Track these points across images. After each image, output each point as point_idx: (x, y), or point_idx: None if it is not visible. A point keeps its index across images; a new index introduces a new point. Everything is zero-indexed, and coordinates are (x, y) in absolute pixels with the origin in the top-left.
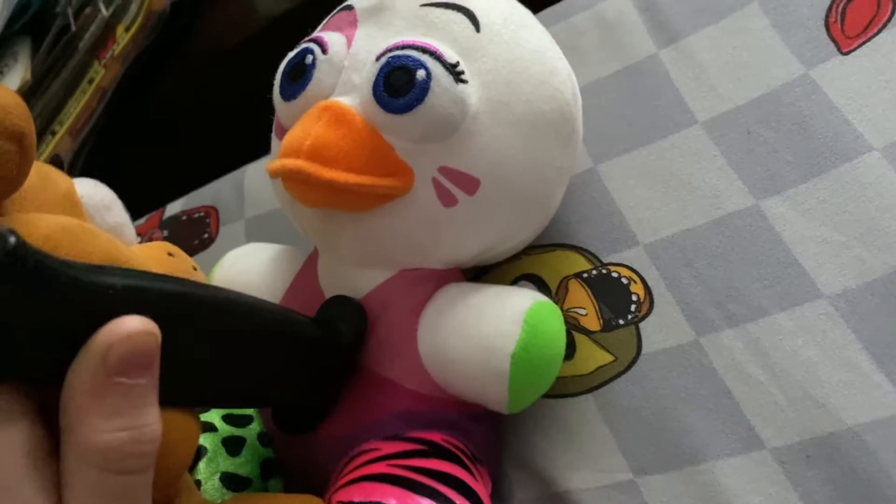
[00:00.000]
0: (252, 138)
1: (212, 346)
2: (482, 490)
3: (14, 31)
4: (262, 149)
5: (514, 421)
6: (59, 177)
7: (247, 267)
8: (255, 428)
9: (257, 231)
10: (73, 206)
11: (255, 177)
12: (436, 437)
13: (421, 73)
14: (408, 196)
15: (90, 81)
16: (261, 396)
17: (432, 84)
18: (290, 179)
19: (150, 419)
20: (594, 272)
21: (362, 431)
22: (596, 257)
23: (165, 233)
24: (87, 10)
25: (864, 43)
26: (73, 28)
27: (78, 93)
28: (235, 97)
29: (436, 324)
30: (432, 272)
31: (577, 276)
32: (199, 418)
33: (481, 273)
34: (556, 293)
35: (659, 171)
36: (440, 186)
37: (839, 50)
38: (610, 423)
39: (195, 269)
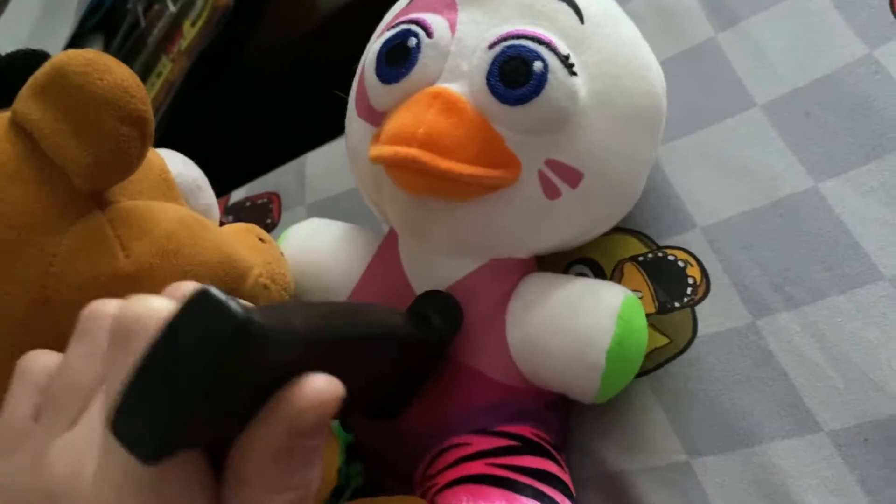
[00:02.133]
0: (312, 128)
1: (353, 369)
2: (569, 480)
3: (88, 29)
4: (323, 138)
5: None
6: (152, 155)
7: (317, 246)
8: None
9: (318, 216)
10: (169, 187)
11: (316, 164)
12: (525, 430)
13: (538, 65)
14: (513, 188)
15: (159, 75)
16: (367, 399)
17: (549, 76)
18: (403, 168)
19: (317, 474)
20: (650, 255)
21: (448, 422)
22: (652, 241)
23: (230, 218)
24: (156, 7)
25: None
26: (143, 24)
27: (147, 86)
28: (296, 90)
29: (526, 315)
30: (519, 261)
31: (633, 259)
32: (338, 438)
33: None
34: (612, 276)
35: (717, 154)
36: (546, 179)
37: None
38: (664, 404)
39: (282, 254)
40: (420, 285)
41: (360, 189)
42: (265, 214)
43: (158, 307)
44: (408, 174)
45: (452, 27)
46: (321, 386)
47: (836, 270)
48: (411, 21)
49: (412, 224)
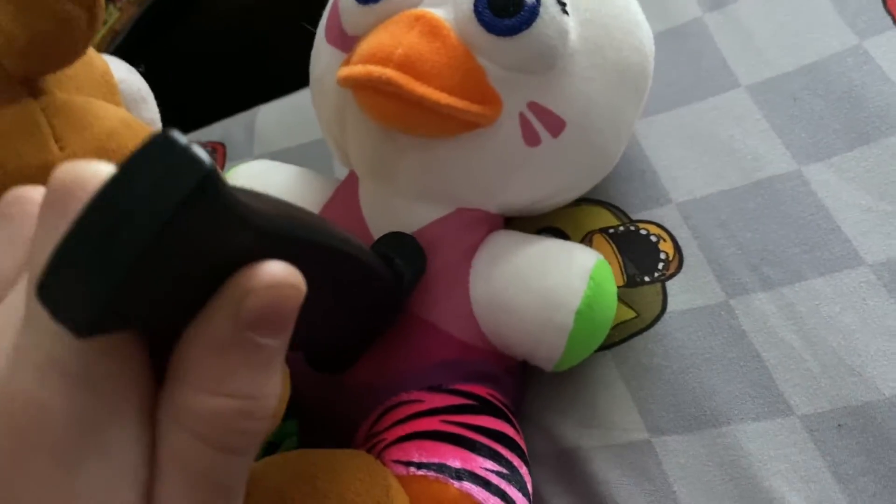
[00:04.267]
0: (265, 85)
1: (314, 288)
2: (525, 446)
3: None
4: (275, 94)
5: (529, 372)
6: (94, 56)
7: (269, 182)
8: None
9: None
10: (111, 91)
11: (268, 116)
12: (481, 390)
13: None
14: (491, 128)
15: (103, 23)
16: (323, 339)
17: (541, 10)
18: (374, 89)
19: (270, 390)
20: (621, 228)
21: (400, 378)
22: (624, 213)
23: None
24: None
25: None
26: None
27: None
28: (249, 46)
29: (491, 270)
30: (487, 215)
31: (603, 231)
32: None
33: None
34: None
35: (697, 132)
36: (526, 123)
37: (895, 23)
38: (627, 380)
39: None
40: (380, 231)
41: (322, 127)
42: None
43: (103, 169)
44: (379, 99)
45: None
46: (276, 270)
47: (816, 253)
48: None
49: (378, 162)
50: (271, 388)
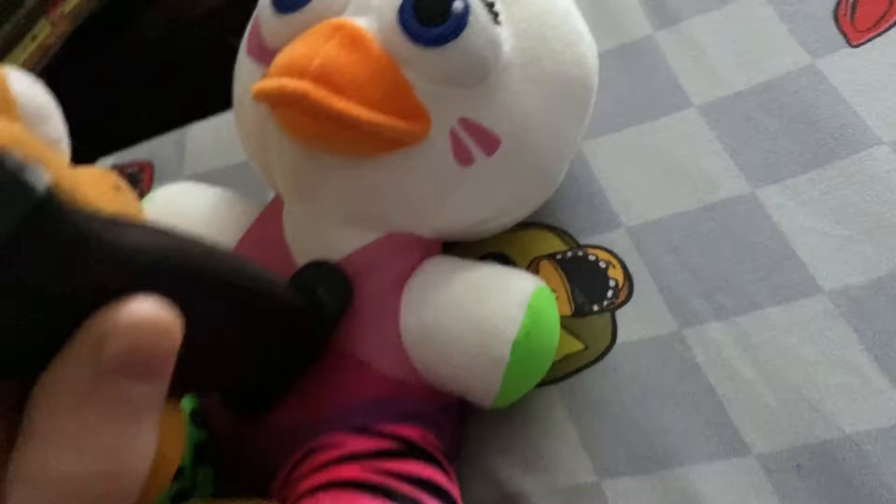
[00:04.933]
0: (198, 102)
1: (214, 328)
2: (457, 494)
3: None
4: (209, 112)
5: (468, 411)
6: None
7: (186, 209)
8: (186, 406)
9: None
10: (6, 105)
11: (200, 134)
12: (412, 432)
13: (458, 4)
14: (419, 147)
15: (33, 38)
16: (228, 378)
17: (470, 19)
18: (289, 104)
19: (142, 447)
20: (569, 254)
21: (322, 418)
22: (573, 238)
23: None
24: None
25: (874, 37)
26: None
27: (18, 50)
28: (184, 62)
29: (423, 299)
30: (419, 240)
31: (550, 256)
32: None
33: (445, 249)
34: None
35: (648, 153)
36: (458, 141)
37: (848, 42)
38: (575, 418)
39: (141, 210)
40: (304, 258)
41: (244, 147)
42: (133, 185)
43: None
44: (296, 115)
45: None
46: (140, 308)
47: (772, 280)
48: None
49: (300, 183)
50: (143, 444)
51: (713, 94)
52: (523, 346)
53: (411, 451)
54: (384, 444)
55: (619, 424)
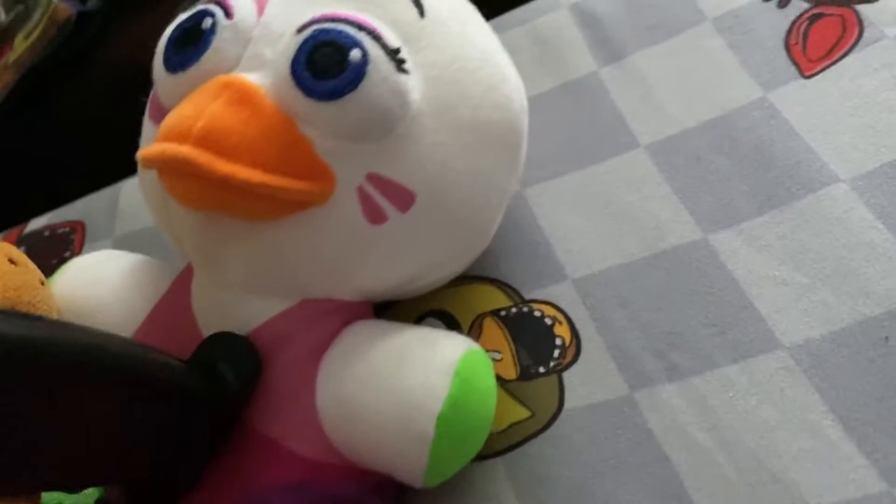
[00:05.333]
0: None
1: (62, 411)
2: None
3: None
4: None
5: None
6: None
7: (98, 278)
8: (91, 494)
9: (127, 250)
10: None
11: (132, 192)
12: None
13: (356, 54)
14: (325, 207)
15: None
16: (116, 471)
17: (369, 69)
18: (172, 171)
19: None
20: (513, 310)
21: None
22: (517, 293)
23: (23, 249)
24: None
25: (828, 66)
26: None
27: None
28: (127, 118)
29: (342, 371)
30: (341, 305)
31: (494, 313)
32: None
33: (381, 309)
34: (469, 333)
35: (594, 198)
36: (367, 198)
37: (801, 73)
38: (520, 493)
39: (42, 283)
40: (210, 329)
41: (151, 214)
42: (65, 246)
43: None
44: (182, 181)
45: (261, 9)
46: None
47: (728, 336)
48: (213, 1)
49: (203, 251)
50: None
51: (661, 133)
52: (450, 419)
53: None
54: None
55: (567, 500)
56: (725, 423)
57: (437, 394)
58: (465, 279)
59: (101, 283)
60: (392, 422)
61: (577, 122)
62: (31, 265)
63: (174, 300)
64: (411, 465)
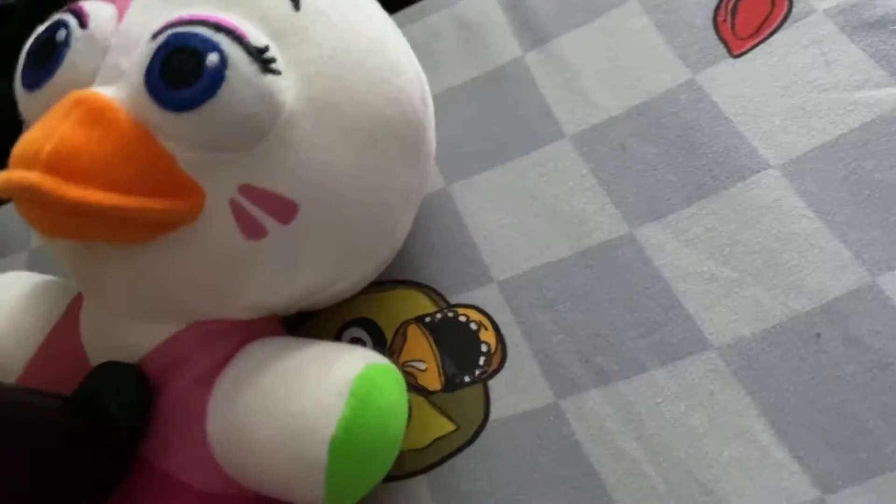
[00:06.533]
0: None
1: None
2: None
3: None
4: None
5: None
6: None
7: None
8: None
9: (44, 264)
10: None
11: None
12: None
13: (212, 58)
14: (197, 224)
15: None
16: None
17: (228, 73)
18: (22, 199)
19: None
20: (438, 315)
21: None
22: (442, 297)
23: None
24: None
25: (757, 44)
26: None
27: None
28: None
29: (233, 397)
30: (236, 324)
31: (419, 320)
32: None
33: (301, 319)
34: (393, 342)
35: (520, 193)
36: (241, 212)
37: (729, 52)
38: None
39: None
40: (99, 358)
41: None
42: None
43: None
44: (35, 209)
45: (120, 15)
46: None
47: (655, 337)
48: (68, 9)
49: (83, 276)
50: None
51: (586, 122)
52: (344, 443)
53: None
54: None
55: None
56: (653, 431)
57: (328, 417)
58: (389, 284)
59: None
60: (284, 449)
61: (501, 112)
62: None
63: (65, 328)
64: (308, 494)
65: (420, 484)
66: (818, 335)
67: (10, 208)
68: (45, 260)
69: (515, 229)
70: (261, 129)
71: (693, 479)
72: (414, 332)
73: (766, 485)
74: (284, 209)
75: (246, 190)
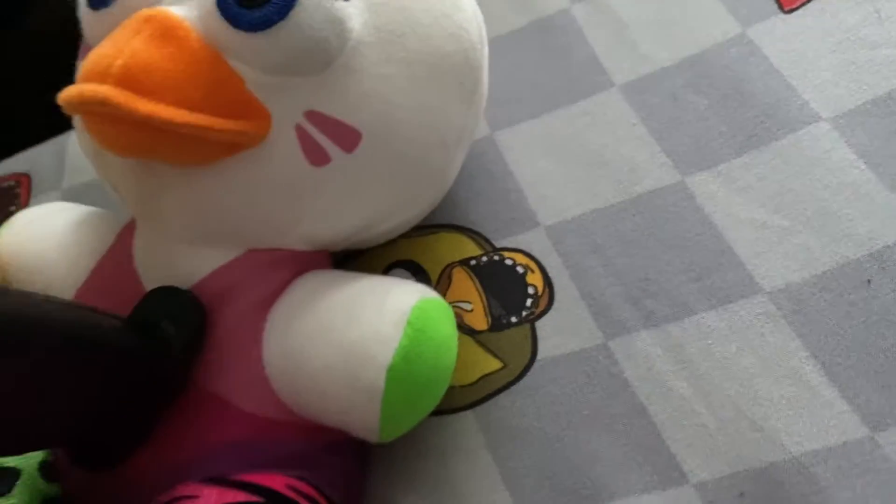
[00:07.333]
0: None
1: (29, 384)
2: None
3: None
4: None
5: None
6: None
7: (45, 232)
8: (35, 457)
9: (75, 203)
10: None
11: None
12: (277, 481)
13: None
14: (261, 148)
15: None
16: (60, 433)
17: None
18: (93, 114)
19: None
20: (484, 259)
21: (179, 467)
22: (488, 241)
23: None
24: None
25: (809, 1)
26: None
27: None
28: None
29: (289, 324)
30: (292, 254)
31: (464, 263)
32: None
33: (346, 259)
34: (438, 284)
35: (567, 141)
36: (307, 137)
37: (781, 8)
38: (493, 447)
39: None
40: (153, 283)
41: (93, 165)
42: (10, 200)
43: None
44: (104, 125)
45: None
46: None
47: (706, 281)
48: None
49: (140, 200)
50: None
51: (636, 73)
52: (401, 372)
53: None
54: (239, 497)
55: (542, 455)
56: (703, 371)
57: (387, 345)
58: (434, 227)
59: (46, 238)
60: (340, 375)
61: (548, 62)
62: None
63: (117, 254)
64: (363, 421)
65: (468, 418)
66: (868, 281)
67: (36, 151)
68: (77, 199)
69: (562, 176)
70: (329, 54)
71: (743, 417)
72: (460, 274)
73: (816, 422)
74: (348, 137)
75: (312, 115)
